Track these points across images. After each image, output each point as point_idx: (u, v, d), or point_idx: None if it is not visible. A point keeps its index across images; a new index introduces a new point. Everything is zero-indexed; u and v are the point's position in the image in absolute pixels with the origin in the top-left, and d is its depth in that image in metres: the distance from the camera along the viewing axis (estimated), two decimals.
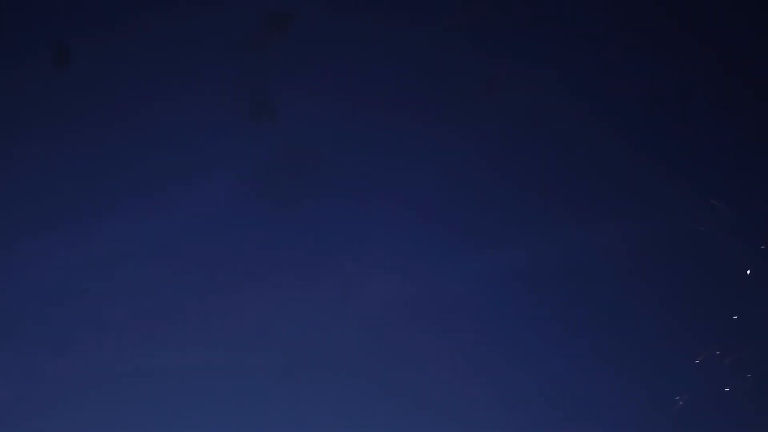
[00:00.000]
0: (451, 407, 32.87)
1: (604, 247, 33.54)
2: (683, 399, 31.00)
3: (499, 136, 35.37)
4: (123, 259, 32.97)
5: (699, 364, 31.43)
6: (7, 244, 33.51)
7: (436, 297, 34.18)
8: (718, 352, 30.22)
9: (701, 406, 30.86)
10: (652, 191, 34.25)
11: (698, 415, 31.13)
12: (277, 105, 36.10)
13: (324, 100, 35.29)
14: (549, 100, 34.79)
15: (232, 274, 33.24)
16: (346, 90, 34.97)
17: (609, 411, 32.65)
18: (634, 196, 34.59)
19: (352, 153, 35.15)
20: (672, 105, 34.36)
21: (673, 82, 34.04)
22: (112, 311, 32.63)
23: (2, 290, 33.31)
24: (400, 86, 35.31)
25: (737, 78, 33.37)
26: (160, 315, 32.40)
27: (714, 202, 29.98)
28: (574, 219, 34.23)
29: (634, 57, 34.77)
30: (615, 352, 33.59)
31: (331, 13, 35.89)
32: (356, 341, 32.93)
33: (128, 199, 33.10)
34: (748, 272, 29.99)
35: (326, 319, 32.83)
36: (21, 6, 32.78)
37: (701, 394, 31.60)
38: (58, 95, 33.52)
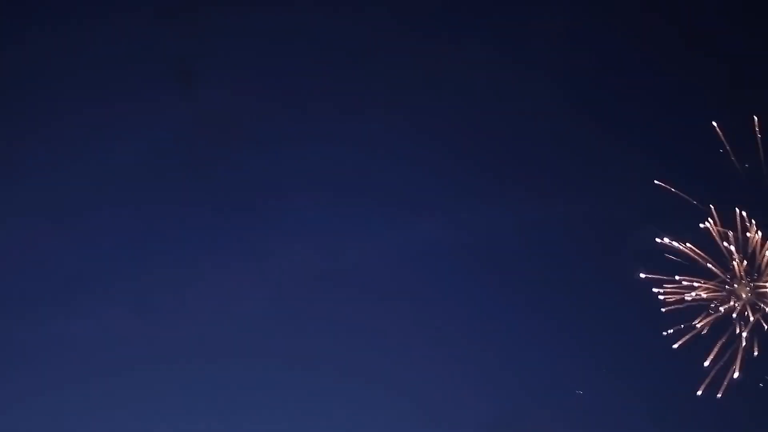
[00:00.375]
0: (361, 371, 33.64)
1: (514, 224, 34.39)
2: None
3: (421, 111, 35.83)
4: (33, 218, 32.57)
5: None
6: None
7: (350, 268, 34.81)
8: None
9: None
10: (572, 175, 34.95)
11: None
12: (200, 71, 36.06)
13: (246, 69, 35.35)
14: (473, 74, 35.32)
15: (143, 238, 33.31)
16: (268, 59, 35.07)
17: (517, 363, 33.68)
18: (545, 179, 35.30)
19: (272, 122, 35.38)
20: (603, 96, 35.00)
21: (587, 73, 34.79)
22: (20, 274, 32.42)
23: None
24: (322, 57, 35.58)
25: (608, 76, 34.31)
26: (65, 279, 32.28)
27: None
28: (486, 197, 34.93)
29: (553, 31, 35.40)
30: (524, 316, 34.64)
31: None
32: (268, 309, 33.38)
33: (40, 156, 32.85)
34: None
35: (239, 287, 33.25)
36: None
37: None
38: None
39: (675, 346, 29.21)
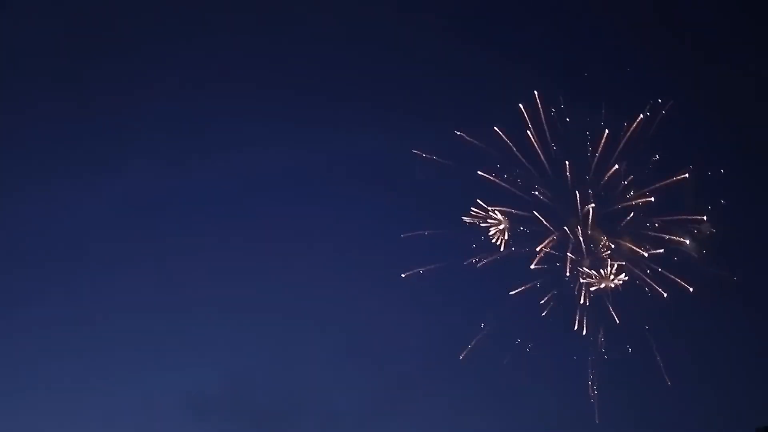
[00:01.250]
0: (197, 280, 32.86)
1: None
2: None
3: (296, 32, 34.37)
4: None
5: None
6: None
7: (199, 188, 34.01)
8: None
9: None
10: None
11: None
12: None
13: None
14: None
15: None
16: None
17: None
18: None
19: (147, 33, 34.47)
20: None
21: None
22: None
23: None
24: None
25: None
26: None
27: None
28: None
29: None
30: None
31: None
32: (111, 222, 32.85)
33: None
34: None
35: (82, 199, 32.82)
36: None
37: None
38: None
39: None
